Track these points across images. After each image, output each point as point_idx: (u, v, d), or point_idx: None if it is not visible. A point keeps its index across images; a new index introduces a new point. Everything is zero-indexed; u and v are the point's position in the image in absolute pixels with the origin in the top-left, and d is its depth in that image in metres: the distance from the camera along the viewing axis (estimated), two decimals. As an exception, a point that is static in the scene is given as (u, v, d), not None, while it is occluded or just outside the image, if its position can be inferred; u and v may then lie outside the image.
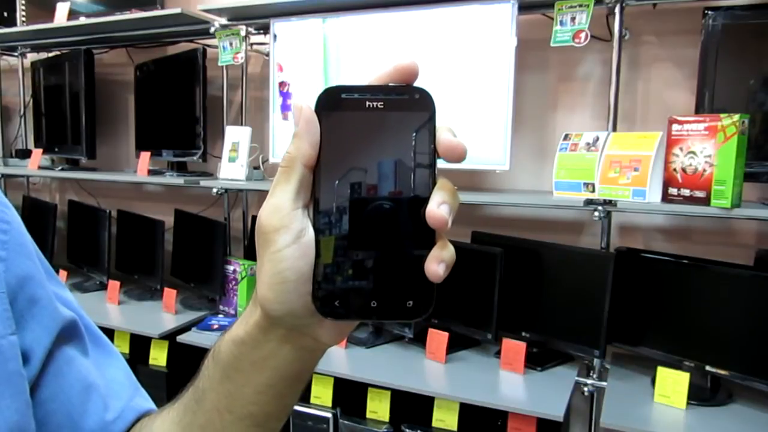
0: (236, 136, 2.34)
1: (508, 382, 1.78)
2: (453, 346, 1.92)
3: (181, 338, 2.13)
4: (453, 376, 1.84)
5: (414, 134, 0.36)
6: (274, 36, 2.26)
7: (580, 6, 1.75)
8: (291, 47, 2.24)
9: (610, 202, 1.72)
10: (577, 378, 1.80)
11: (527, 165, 2.12)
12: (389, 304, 0.36)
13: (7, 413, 0.43)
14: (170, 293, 2.38)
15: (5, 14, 2.99)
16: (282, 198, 0.36)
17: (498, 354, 1.88)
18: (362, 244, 0.36)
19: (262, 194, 2.43)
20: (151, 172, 2.58)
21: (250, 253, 2.47)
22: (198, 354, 1.68)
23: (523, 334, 1.90)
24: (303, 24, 2.21)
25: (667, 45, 1.93)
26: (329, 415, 1.91)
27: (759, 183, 1.72)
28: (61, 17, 2.71)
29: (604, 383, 1.76)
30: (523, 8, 1.87)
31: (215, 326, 2.21)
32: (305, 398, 1.94)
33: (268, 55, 2.35)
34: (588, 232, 2.05)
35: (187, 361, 2.16)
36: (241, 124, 2.47)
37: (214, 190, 2.33)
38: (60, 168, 2.89)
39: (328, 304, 0.36)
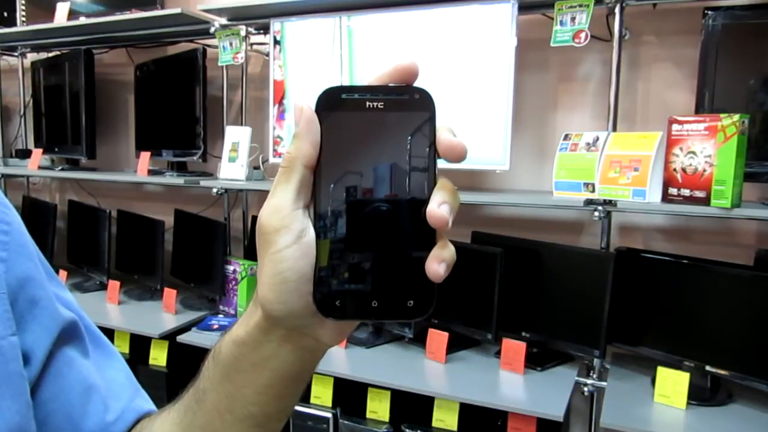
0: (236, 136, 2.34)
1: (508, 382, 1.78)
2: (453, 346, 1.92)
3: (181, 338, 2.13)
4: (453, 376, 1.84)
5: (414, 134, 0.36)
6: (274, 37, 2.26)
7: (580, 6, 1.75)
8: (292, 48, 2.24)
9: (610, 202, 1.72)
10: (577, 378, 1.80)
11: (527, 165, 2.12)
12: (390, 303, 0.36)
13: (8, 414, 0.43)
14: (170, 293, 2.38)
15: (5, 14, 2.98)
16: (282, 198, 0.36)
17: (498, 354, 1.88)
18: (362, 244, 0.36)
19: (262, 194, 2.43)
20: (151, 172, 2.58)
21: (250, 253, 2.47)
22: (198, 354, 1.68)
23: (523, 334, 1.90)
24: (303, 24, 2.21)
25: (667, 45, 1.93)
26: (329, 415, 1.91)
27: (759, 183, 1.72)
28: (61, 17, 2.71)
29: (604, 383, 1.76)
30: (523, 8, 1.87)
31: (215, 326, 2.21)
32: (305, 398, 1.94)
33: (268, 55, 2.35)
34: (588, 232, 2.05)
35: (187, 362, 2.16)
36: (241, 124, 2.47)
37: (214, 190, 2.33)
38: (60, 168, 2.89)
39: (329, 304, 0.36)
